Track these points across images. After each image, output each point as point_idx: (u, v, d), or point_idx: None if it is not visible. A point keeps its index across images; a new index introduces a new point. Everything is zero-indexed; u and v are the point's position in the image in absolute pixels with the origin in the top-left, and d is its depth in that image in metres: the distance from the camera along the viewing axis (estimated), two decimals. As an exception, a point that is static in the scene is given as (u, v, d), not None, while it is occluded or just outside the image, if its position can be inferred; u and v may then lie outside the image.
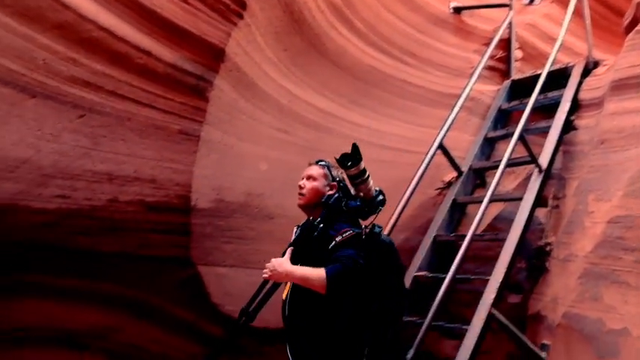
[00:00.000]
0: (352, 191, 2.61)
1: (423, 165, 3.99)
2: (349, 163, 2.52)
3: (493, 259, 3.65)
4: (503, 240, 3.73)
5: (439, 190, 4.71)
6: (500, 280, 3.45)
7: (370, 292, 2.42)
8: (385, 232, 3.71)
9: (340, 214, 2.51)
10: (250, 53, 3.56)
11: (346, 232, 2.39)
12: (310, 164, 2.71)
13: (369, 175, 2.58)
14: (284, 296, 2.50)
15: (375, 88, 4.52)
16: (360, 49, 4.39)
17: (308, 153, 4.06)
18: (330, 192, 2.58)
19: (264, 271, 2.39)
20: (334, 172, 2.63)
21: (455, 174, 4.62)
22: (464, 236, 3.54)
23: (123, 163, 3.12)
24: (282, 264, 2.37)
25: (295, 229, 2.67)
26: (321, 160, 2.71)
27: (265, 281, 2.51)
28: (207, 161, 3.49)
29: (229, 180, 3.66)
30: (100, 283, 3.34)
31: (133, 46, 2.98)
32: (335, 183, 2.61)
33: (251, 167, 3.76)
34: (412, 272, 3.92)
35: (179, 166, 3.36)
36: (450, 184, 4.65)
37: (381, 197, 2.64)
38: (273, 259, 2.39)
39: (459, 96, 4.45)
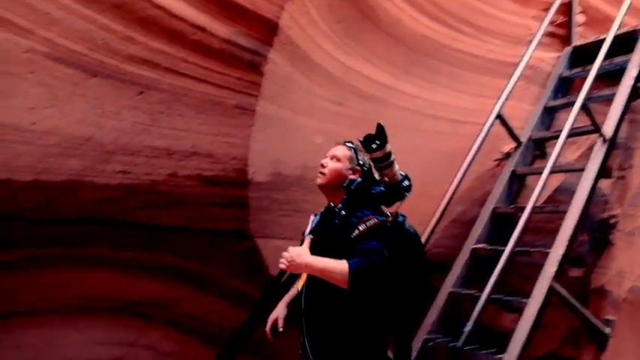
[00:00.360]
0: (376, 176, 2.45)
1: (481, 136, 3.91)
2: (374, 146, 2.32)
3: (554, 232, 3.56)
4: (565, 212, 3.63)
5: (497, 162, 4.62)
6: (562, 253, 3.38)
7: (393, 284, 2.29)
8: (442, 205, 3.68)
9: (363, 200, 2.36)
10: (304, 26, 3.54)
11: (370, 220, 2.24)
12: (337, 144, 2.55)
13: (394, 159, 2.39)
14: (300, 287, 2.38)
15: (430, 58, 4.43)
16: (414, 19, 4.30)
17: (362, 125, 4.02)
18: (353, 176, 2.43)
19: (281, 261, 2.20)
20: (361, 157, 2.47)
21: (514, 145, 4.51)
22: (523, 208, 3.47)
23: (181, 138, 3.17)
24: (301, 254, 2.19)
25: (312, 218, 2.53)
26: (349, 142, 2.54)
27: (282, 272, 2.34)
28: (263, 135, 3.51)
29: (285, 153, 3.67)
30: (160, 256, 3.43)
31: (188, 23, 3.01)
32: (359, 168, 2.46)
33: (306, 140, 3.76)
34: (470, 245, 3.87)
35: (236, 140, 3.40)
36: (508, 155, 4.55)
37: (406, 182, 2.48)
38: (290, 249, 2.21)
39: (517, 64, 4.32)
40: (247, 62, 3.30)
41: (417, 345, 3.16)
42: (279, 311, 2.61)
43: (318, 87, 3.78)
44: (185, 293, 3.62)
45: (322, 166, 2.44)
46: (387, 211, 2.43)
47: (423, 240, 3.49)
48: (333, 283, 2.13)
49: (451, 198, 3.71)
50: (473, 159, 3.82)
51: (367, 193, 2.37)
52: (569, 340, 4.10)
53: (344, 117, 3.94)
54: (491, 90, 4.46)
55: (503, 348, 2.99)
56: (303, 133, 3.74)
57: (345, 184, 2.39)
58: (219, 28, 3.13)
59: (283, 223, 3.78)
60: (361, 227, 2.21)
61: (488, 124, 3.96)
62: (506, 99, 4.09)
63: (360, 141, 2.34)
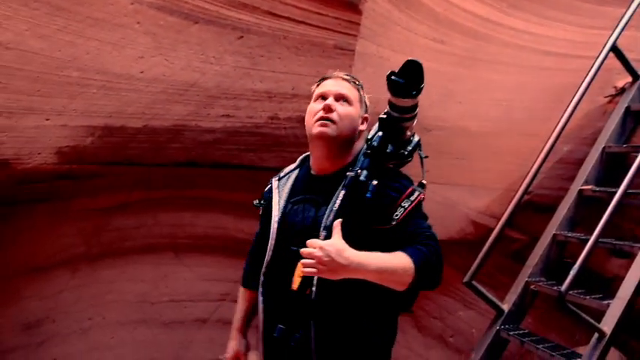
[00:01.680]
0: (408, 132, 1.71)
1: (593, 70, 3.66)
2: (415, 92, 1.56)
3: (672, 172, 3.34)
4: (685, 150, 3.38)
5: (610, 98, 4.32)
6: (680, 195, 3.17)
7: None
8: (548, 144, 3.53)
9: (382, 163, 1.67)
10: (403, -39, 3.44)
11: (414, 193, 1.67)
12: (336, 77, 1.82)
13: None
14: (296, 286, 1.59)
15: (543, -10, 4.18)
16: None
17: (465, 63, 3.91)
18: (362, 127, 1.82)
19: (305, 262, 1.47)
20: (366, 100, 1.89)
21: (629, 79, 4.19)
22: (638, 147, 3.26)
23: (281, 80, 3.21)
24: (343, 251, 1.46)
25: (275, 184, 1.85)
26: (352, 77, 1.84)
27: (307, 282, 1.59)
28: (363, 75, 3.47)
29: (385, 93, 3.62)
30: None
31: (285, -36, 3.00)
32: (367, 116, 1.86)
33: (407, 79, 3.69)
34: (577, 186, 3.70)
35: (335, 81, 3.40)
36: (623, 91, 4.23)
37: (417, 138, 1.78)
38: (321, 243, 1.47)
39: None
40: (346, 1, 3.25)
41: (517, 288, 3.11)
42: (238, 344, 1.97)
43: (419, 24, 3.67)
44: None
45: (328, 109, 1.72)
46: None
47: (527, 181, 3.39)
48: (387, 286, 1.55)
49: (558, 137, 3.52)
50: (582, 95, 3.59)
51: (384, 154, 1.66)
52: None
53: (446, 55, 3.82)
54: (606, 20, 4.13)
55: (609, 294, 2.89)
56: (404, 71, 3.67)
57: (368, 140, 1.70)
58: (317, -32, 3.09)
59: (384, 163, 3.78)
60: (405, 204, 1.63)
61: (601, 57, 3.69)
62: (623, 29, 3.78)
63: (392, 80, 1.53)
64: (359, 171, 1.62)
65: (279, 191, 1.83)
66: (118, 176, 2.97)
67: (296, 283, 1.59)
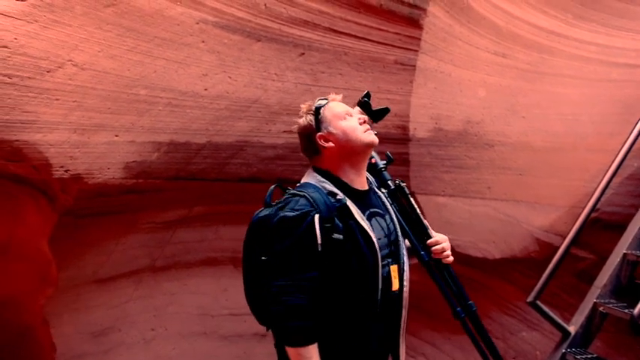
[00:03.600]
0: None
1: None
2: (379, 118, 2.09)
3: None
4: None
5: (684, 111, 4.17)
6: None
7: None
8: (617, 160, 3.42)
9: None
10: (462, -25, 3.41)
11: None
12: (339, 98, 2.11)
13: None
14: (396, 287, 1.89)
15: (610, -1, 4.06)
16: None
17: (529, 76, 3.85)
18: None
19: (447, 253, 1.96)
20: None
21: None
22: None
23: (342, 96, 3.22)
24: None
25: (356, 210, 1.84)
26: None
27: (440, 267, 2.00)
28: (425, 90, 3.46)
29: (447, 108, 3.60)
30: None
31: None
32: None
33: (469, 94, 3.66)
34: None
35: (396, 96, 3.39)
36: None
37: None
38: (439, 235, 1.99)
39: None
40: (406, 17, 3.24)
41: (584, 309, 3.01)
42: None
43: (480, 38, 3.63)
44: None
45: (365, 121, 1.98)
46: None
47: (594, 198, 3.30)
48: None
49: (628, 152, 3.42)
50: (655, 109, 3.47)
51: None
52: None
53: (508, 68, 3.76)
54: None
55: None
56: (465, 86, 3.64)
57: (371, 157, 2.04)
58: (377, -16, 3.10)
59: (445, 179, 3.74)
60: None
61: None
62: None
63: (371, 107, 2.07)
64: (397, 181, 2.03)
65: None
66: (182, 191, 3.03)
67: (394, 285, 1.87)
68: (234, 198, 3.25)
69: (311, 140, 1.96)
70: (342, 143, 1.91)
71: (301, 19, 2.96)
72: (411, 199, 2.03)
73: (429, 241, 1.94)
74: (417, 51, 3.35)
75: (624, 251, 3.19)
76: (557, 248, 3.19)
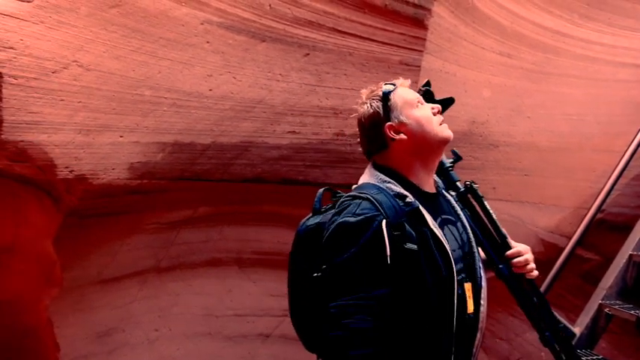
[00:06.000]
0: None
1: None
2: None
3: None
4: None
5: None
6: None
7: None
8: (623, 160, 3.41)
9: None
10: (468, -25, 3.39)
11: None
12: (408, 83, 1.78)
13: None
14: (471, 309, 1.57)
15: (616, -1, 4.04)
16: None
17: (534, 76, 3.83)
18: None
19: (531, 267, 1.65)
20: None
21: None
22: None
23: (347, 97, 3.21)
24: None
25: (430, 218, 1.53)
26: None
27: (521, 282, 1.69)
28: (429, 90, 3.45)
29: (452, 108, 3.52)
30: (329, 213, 3.55)
31: (351, -18, 3.01)
32: None
33: (474, 94, 3.64)
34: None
35: (400, 97, 3.38)
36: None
37: None
38: (520, 246, 1.69)
39: None
40: (411, 17, 3.23)
41: (590, 311, 3.00)
42: None
43: (485, 38, 3.61)
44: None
45: (440, 111, 1.72)
46: None
47: (600, 198, 3.28)
48: None
49: (634, 152, 3.41)
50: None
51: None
52: None
53: (513, 69, 3.74)
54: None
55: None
56: (471, 87, 3.62)
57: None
58: (382, -16, 3.10)
59: (450, 179, 3.72)
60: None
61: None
62: None
63: (434, 96, 1.79)
64: (467, 183, 1.72)
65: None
66: (186, 191, 3.03)
67: (469, 305, 1.56)
68: (239, 198, 3.25)
69: (377, 131, 1.63)
70: (417, 136, 1.61)
71: (306, 20, 2.96)
72: (486, 202, 1.71)
73: (508, 253, 1.64)
74: (421, 51, 3.34)
75: (630, 252, 3.17)
76: (563, 249, 3.18)
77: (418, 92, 1.76)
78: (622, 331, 3.15)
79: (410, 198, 1.51)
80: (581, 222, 3.22)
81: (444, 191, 1.72)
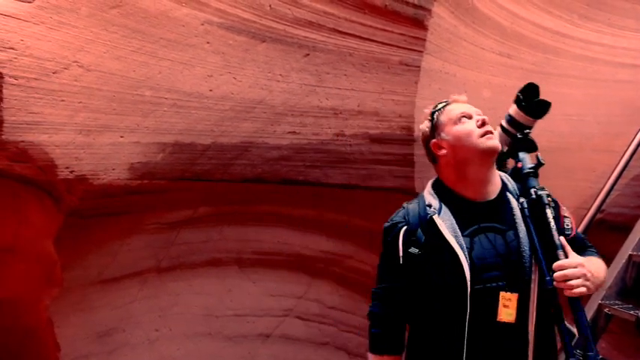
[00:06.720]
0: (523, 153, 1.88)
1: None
2: (541, 113, 1.86)
3: None
4: None
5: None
6: None
7: None
8: (623, 160, 3.41)
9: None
10: (468, -24, 3.40)
11: (557, 202, 1.82)
12: (463, 100, 1.87)
13: None
14: (506, 317, 1.61)
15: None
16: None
17: (534, 77, 3.82)
18: None
19: (570, 283, 1.55)
20: None
21: None
22: None
23: (347, 97, 3.22)
24: (585, 264, 1.59)
25: (441, 222, 1.69)
26: None
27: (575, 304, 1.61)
28: (429, 91, 3.45)
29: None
30: (328, 213, 3.55)
31: (353, -18, 3.02)
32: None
33: (474, 95, 3.64)
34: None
35: (401, 97, 3.38)
36: (702, 103, 4.06)
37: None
38: (571, 258, 1.60)
39: None
40: (411, 18, 3.24)
41: (589, 311, 3.00)
42: None
43: (485, 39, 3.62)
44: (351, 250, 3.73)
45: (485, 123, 1.75)
46: None
47: (600, 198, 3.28)
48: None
49: (634, 152, 3.41)
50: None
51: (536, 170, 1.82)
52: None
53: (513, 69, 3.75)
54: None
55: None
56: (470, 87, 3.63)
57: (517, 161, 1.85)
58: (381, -15, 3.10)
59: (449, 180, 3.73)
60: (566, 214, 1.79)
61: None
62: None
63: (527, 98, 1.84)
64: (537, 190, 1.71)
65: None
66: (187, 192, 3.03)
67: (503, 314, 1.60)
68: (239, 199, 3.25)
69: (428, 148, 1.85)
70: (456, 150, 1.74)
71: (306, 20, 2.96)
72: (548, 211, 1.67)
73: (554, 265, 1.59)
74: (421, 52, 3.34)
75: (630, 252, 3.18)
76: (563, 249, 3.17)
77: (516, 99, 1.87)
78: (621, 331, 3.14)
79: (432, 208, 1.72)
80: (580, 222, 3.22)
81: (511, 197, 1.75)
